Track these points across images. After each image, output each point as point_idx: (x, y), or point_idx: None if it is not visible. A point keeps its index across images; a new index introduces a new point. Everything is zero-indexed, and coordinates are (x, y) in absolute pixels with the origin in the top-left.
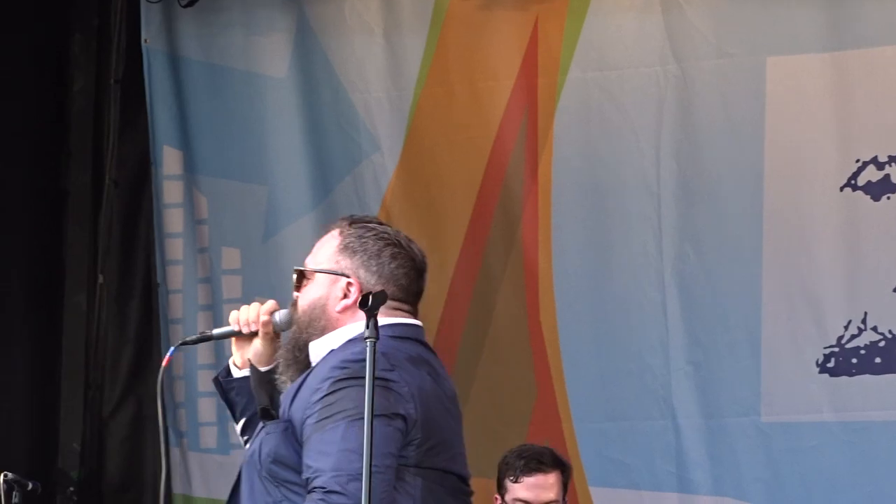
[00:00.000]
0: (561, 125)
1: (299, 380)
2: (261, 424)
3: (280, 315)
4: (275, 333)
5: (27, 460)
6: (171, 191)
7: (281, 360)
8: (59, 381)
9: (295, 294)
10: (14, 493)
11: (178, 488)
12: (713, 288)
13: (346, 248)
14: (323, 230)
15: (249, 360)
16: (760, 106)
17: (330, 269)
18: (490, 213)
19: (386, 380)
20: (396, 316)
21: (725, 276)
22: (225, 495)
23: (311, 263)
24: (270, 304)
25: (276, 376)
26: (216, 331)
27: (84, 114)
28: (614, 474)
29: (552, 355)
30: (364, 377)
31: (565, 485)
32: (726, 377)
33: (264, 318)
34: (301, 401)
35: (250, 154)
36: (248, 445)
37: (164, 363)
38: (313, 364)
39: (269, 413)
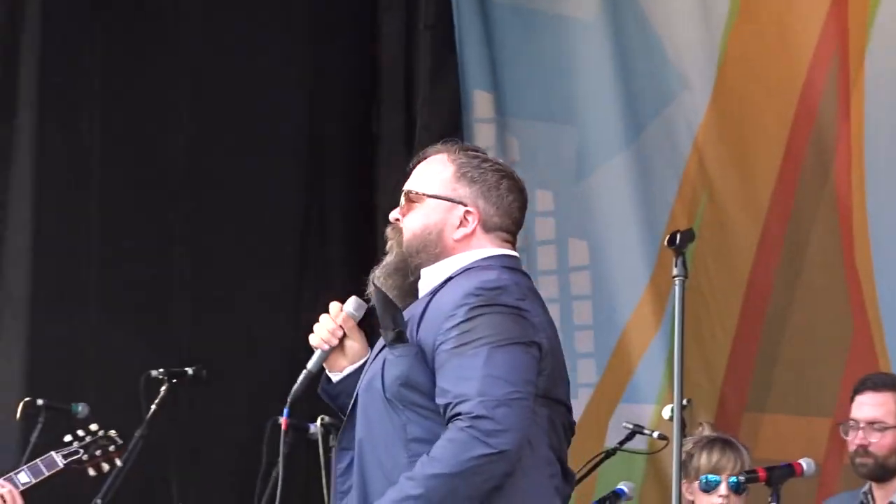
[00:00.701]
0: (872, 64)
1: (420, 306)
2: (379, 348)
3: (354, 306)
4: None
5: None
6: (482, 134)
7: (381, 284)
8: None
9: (397, 215)
10: (330, 437)
11: None
12: None
13: (463, 176)
14: (420, 155)
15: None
16: None
17: (448, 196)
18: (802, 152)
19: (520, 308)
20: (505, 248)
21: None
22: None
23: (419, 187)
24: (334, 310)
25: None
26: (310, 365)
27: (395, 60)
28: None
29: (868, 296)
30: (499, 304)
31: None
32: None
33: (341, 320)
34: (429, 327)
35: (560, 95)
36: (364, 373)
37: (283, 426)
38: (424, 289)
39: (403, 336)
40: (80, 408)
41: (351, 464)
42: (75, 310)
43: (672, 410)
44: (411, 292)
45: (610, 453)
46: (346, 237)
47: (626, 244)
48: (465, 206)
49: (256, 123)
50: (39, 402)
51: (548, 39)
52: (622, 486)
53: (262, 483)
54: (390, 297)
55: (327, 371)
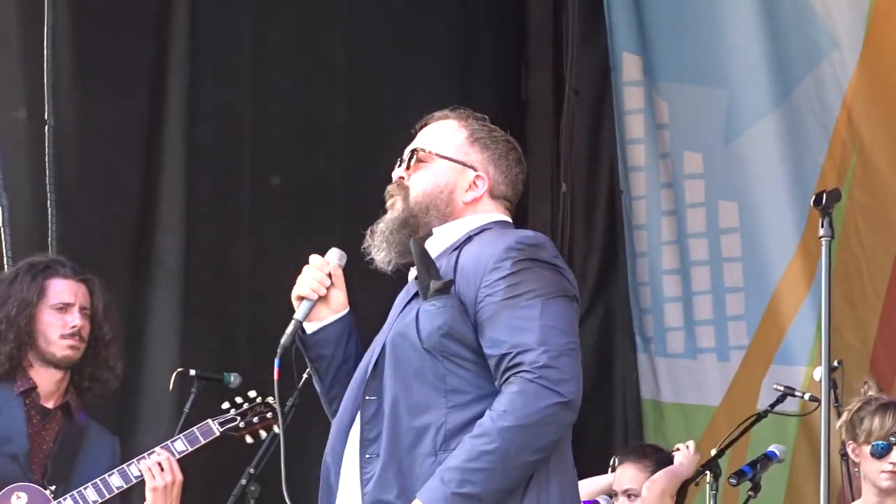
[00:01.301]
0: None
1: (448, 261)
2: (404, 301)
3: (338, 256)
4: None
5: None
6: (631, 97)
7: (379, 239)
8: None
9: (403, 172)
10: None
11: (646, 394)
12: None
13: (476, 142)
14: (427, 118)
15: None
16: None
17: (460, 160)
18: None
19: (558, 266)
20: (507, 216)
21: None
22: (694, 399)
23: (431, 147)
24: (318, 260)
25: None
26: (299, 315)
27: (543, 24)
28: None
29: None
30: (540, 260)
31: None
32: None
33: (331, 270)
34: (467, 280)
35: (709, 57)
36: (390, 325)
37: (275, 377)
38: (436, 247)
39: (448, 288)
40: (232, 378)
41: (377, 413)
42: (228, 281)
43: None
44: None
45: (761, 416)
46: None
47: (776, 205)
48: (476, 170)
49: (407, 90)
50: (192, 372)
51: (696, 1)
52: (773, 448)
53: None
54: (397, 252)
55: (308, 321)
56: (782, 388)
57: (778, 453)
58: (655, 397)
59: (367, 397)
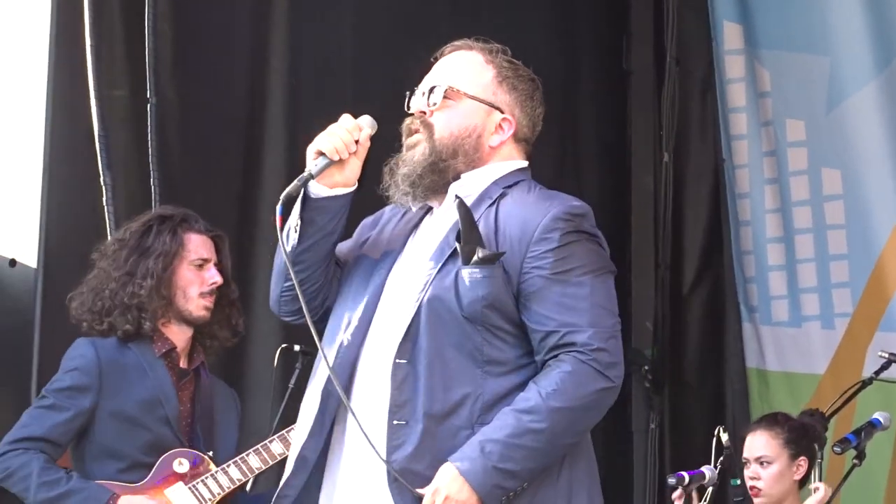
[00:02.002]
0: None
1: (485, 220)
2: (440, 261)
3: (370, 123)
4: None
5: None
6: (732, 66)
7: (405, 183)
8: (629, 261)
9: (425, 107)
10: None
11: (751, 362)
12: None
13: (504, 81)
14: (450, 46)
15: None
16: None
17: (489, 101)
18: None
19: (599, 238)
20: (526, 160)
21: None
22: (799, 368)
23: (460, 85)
24: (351, 122)
25: (387, 194)
26: (314, 170)
27: None
28: None
29: None
30: (586, 232)
31: None
32: None
33: (361, 137)
34: (511, 247)
35: (810, 25)
36: (426, 286)
37: (279, 224)
38: (463, 194)
39: (494, 258)
40: None
41: (408, 377)
42: None
43: None
44: (439, 189)
45: (866, 383)
46: (600, 171)
47: (880, 172)
48: (503, 112)
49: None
50: (297, 347)
51: None
52: (878, 416)
53: None
54: (424, 193)
55: (312, 182)
56: (887, 355)
57: (883, 421)
58: (760, 366)
59: (398, 360)
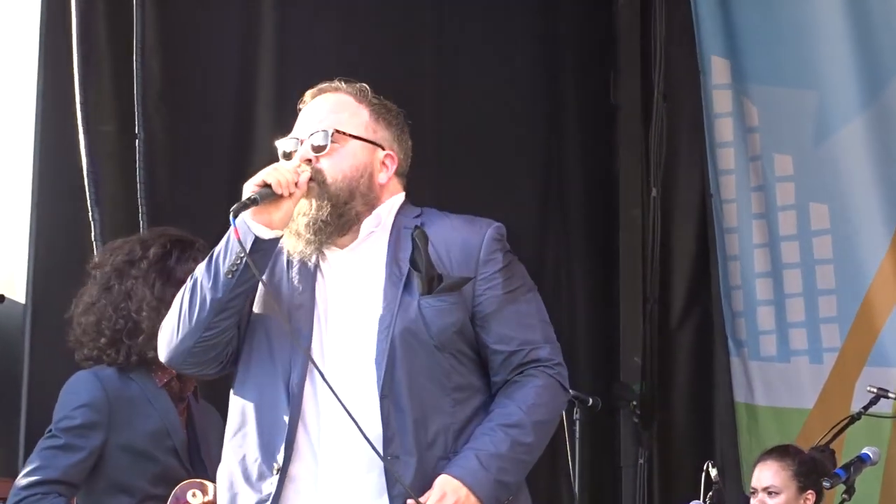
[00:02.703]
0: None
1: (408, 248)
2: (398, 293)
3: (308, 169)
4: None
5: (588, 376)
6: (720, 100)
7: (304, 228)
8: (617, 296)
9: (308, 155)
10: (575, 409)
11: (739, 397)
12: None
13: (380, 119)
14: (316, 90)
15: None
16: None
17: (372, 139)
18: None
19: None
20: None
21: None
22: (787, 402)
23: (343, 128)
24: (291, 165)
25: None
26: (260, 196)
27: (631, 28)
28: None
29: None
30: (512, 252)
31: None
32: None
33: (303, 179)
34: (458, 271)
35: (799, 60)
36: (392, 319)
37: (234, 236)
38: (372, 229)
39: (459, 285)
40: None
41: (392, 412)
42: None
43: None
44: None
45: (855, 418)
46: (586, 203)
47: (867, 206)
48: (384, 149)
49: (497, 97)
50: None
51: (784, 3)
52: (867, 451)
53: None
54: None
55: (253, 225)
56: (876, 390)
57: (872, 455)
58: (749, 400)
59: (383, 396)
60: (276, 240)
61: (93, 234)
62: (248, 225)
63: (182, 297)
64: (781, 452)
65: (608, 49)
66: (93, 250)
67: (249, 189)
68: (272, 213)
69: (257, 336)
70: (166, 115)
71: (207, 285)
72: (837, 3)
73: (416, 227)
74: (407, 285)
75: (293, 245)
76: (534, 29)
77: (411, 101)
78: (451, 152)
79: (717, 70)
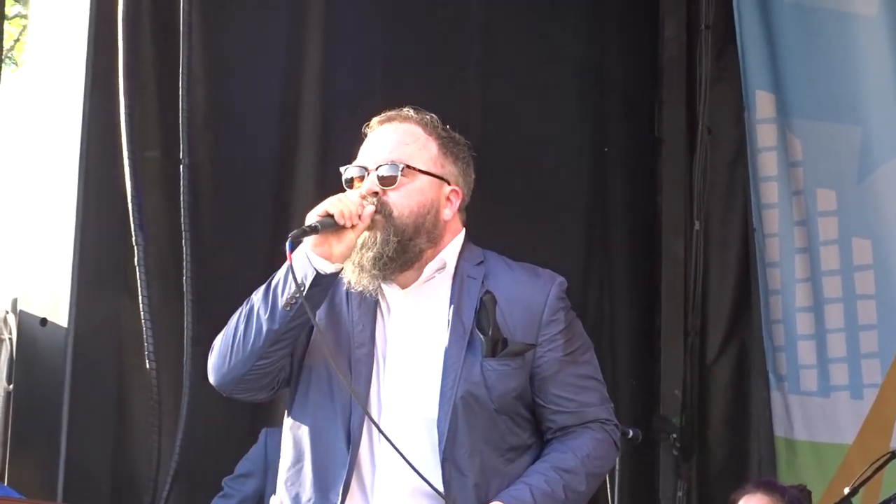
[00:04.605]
0: None
1: (475, 303)
2: (461, 350)
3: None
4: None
5: (628, 408)
6: (764, 134)
7: (368, 262)
8: (658, 328)
9: (375, 187)
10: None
11: (779, 431)
12: None
13: (448, 153)
14: (384, 117)
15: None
16: None
17: (439, 174)
18: None
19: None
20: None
21: None
22: (827, 438)
23: (411, 161)
24: (356, 195)
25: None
26: (322, 225)
27: (676, 61)
28: None
29: None
30: (572, 309)
31: None
32: None
33: (367, 213)
34: (521, 331)
35: (843, 94)
36: (456, 380)
37: (289, 259)
38: (435, 270)
39: (523, 350)
40: None
41: (454, 476)
42: None
43: None
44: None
45: (895, 454)
46: (629, 236)
47: None
48: (450, 185)
49: (543, 126)
50: None
51: (830, 37)
52: None
53: None
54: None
55: (315, 257)
56: None
57: None
58: (788, 435)
59: (444, 459)
60: (336, 274)
61: (136, 259)
62: (307, 256)
63: (237, 323)
64: (770, 486)
65: (653, 82)
66: (135, 275)
67: (312, 218)
68: (333, 244)
69: (317, 365)
70: (211, 141)
71: (264, 315)
72: (883, 38)
73: (487, 291)
74: (470, 345)
75: (355, 278)
76: (579, 60)
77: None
78: (495, 184)
79: (762, 104)
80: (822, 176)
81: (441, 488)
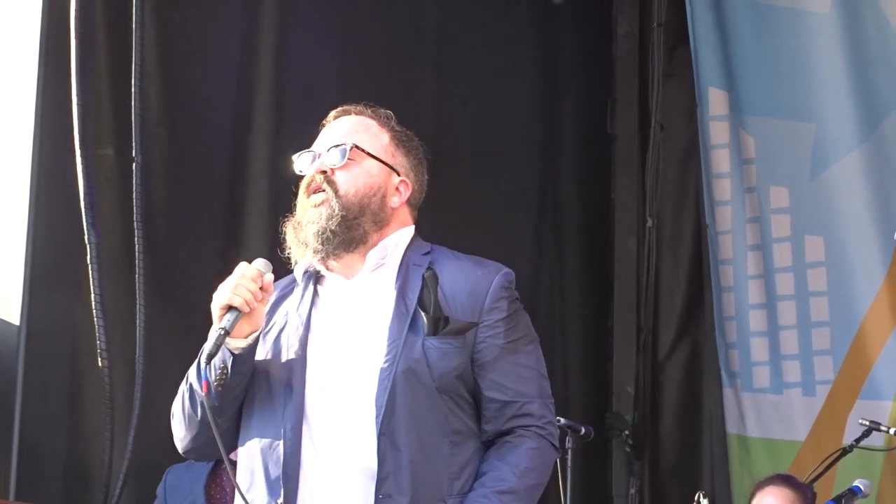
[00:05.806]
0: None
1: (420, 288)
2: (402, 331)
3: (266, 266)
4: None
5: (581, 405)
6: (717, 131)
7: (312, 237)
8: (611, 325)
9: (326, 166)
10: (567, 438)
11: (731, 428)
12: None
13: (400, 145)
14: (340, 110)
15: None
16: None
17: (389, 162)
18: None
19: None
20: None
21: None
22: (780, 434)
23: (362, 144)
24: (253, 271)
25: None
26: (227, 325)
27: (629, 59)
28: None
29: None
30: (519, 300)
31: None
32: None
33: (263, 284)
34: (462, 315)
35: (796, 92)
36: (395, 359)
37: (202, 391)
38: (380, 259)
39: (465, 329)
40: None
41: (389, 451)
42: None
43: None
44: (349, 248)
45: (847, 451)
46: (581, 233)
47: (862, 239)
48: (399, 175)
49: (494, 123)
50: None
51: (783, 34)
52: (858, 483)
53: None
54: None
55: (223, 335)
56: (868, 423)
57: (863, 488)
58: (741, 432)
59: (381, 434)
60: (256, 339)
61: (88, 257)
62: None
63: (183, 401)
64: (781, 480)
65: (606, 79)
66: (88, 273)
67: (216, 311)
68: (243, 327)
69: (258, 378)
70: (164, 139)
71: (202, 394)
72: (836, 36)
73: (428, 267)
74: (412, 324)
75: (299, 254)
76: (533, 58)
77: (407, 127)
78: (446, 179)
79: (715, 101)
80: (774, 173)
81: (375, 462)
